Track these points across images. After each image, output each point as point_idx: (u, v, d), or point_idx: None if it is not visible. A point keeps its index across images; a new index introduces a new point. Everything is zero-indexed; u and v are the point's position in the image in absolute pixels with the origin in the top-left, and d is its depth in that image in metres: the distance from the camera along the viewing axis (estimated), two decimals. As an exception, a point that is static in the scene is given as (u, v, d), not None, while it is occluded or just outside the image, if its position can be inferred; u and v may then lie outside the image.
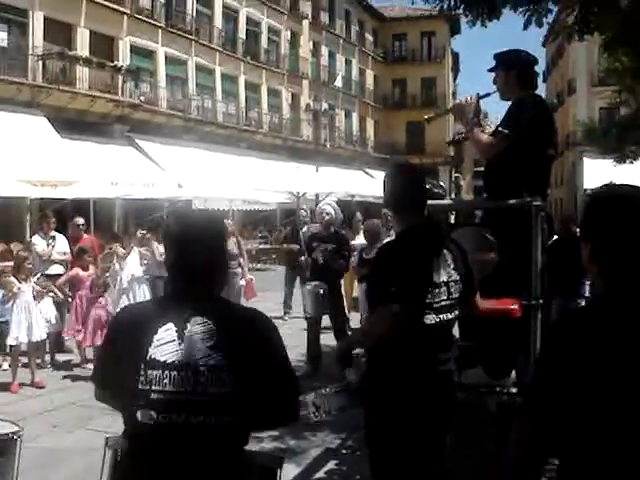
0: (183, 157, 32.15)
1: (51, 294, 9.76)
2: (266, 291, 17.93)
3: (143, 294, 11.16)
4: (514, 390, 5.08)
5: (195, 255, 2.69)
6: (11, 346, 9.24)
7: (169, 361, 2.57)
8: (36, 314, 9.33)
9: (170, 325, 2.61)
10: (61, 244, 11.93)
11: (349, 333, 10.18)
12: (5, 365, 9.93)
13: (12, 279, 9.39)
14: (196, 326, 2.61)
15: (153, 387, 2.56)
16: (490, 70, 5.42)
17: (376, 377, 3.85)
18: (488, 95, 5.42)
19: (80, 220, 12.56)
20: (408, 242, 3.85)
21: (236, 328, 2.65)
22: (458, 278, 3.88)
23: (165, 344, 2.59)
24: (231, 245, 12.27)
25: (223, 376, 2.55)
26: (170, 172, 30.37)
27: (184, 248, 2.72)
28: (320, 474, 6.28)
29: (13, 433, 3.57)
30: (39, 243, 11.68)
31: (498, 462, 4.79)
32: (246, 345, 2.62)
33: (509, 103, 5.31)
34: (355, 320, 11.55)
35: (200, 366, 2.56)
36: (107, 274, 11.38)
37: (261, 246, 30.74)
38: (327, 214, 10.51)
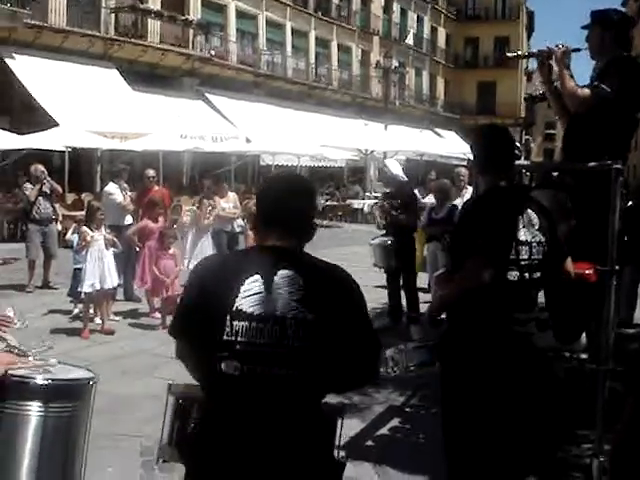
0: (252, 112, 32.22)
1: (113, 248, 9.87)
2: (333, 247, 17.98)
3: (208, 246, 11.42)
4: (584, 356, 5.01)
5: (286, 209, 2.70)
6: (84, 293, 9.43)
7: (256, 313, 2.56)
8: (108, 262, 9.50)
9: (257, 277, 2.59)
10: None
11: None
12: (76, 311, 10.17)
13: (85, 228, 9.57)
14: (284, 279, 2.59)
15: (239, 338, 2.55)
16: (585, 27, 5.23)
17: (454, 335, 3.84)
18: (578, 50, 5.22)
19: (151, 172, 12.68)
20: (493, 199, 3.85)
21: (322, 283, 2.64)
22: (543, 240, 3.83)
23: (252, 295, 2.57)
24: None
25: (308, 330, 2.55)
26: (239, 126, 30.48)
27: (278, 202, 2.73)
28: (383, 430, 6.30)
29: (89, 379, 3.66)
30: (116, 192, 11.82)
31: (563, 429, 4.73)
32: (331, 301, 2.60)
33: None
34: (423, 280, 11.46)
35: (287, 319, 2.55)
36: (175, 226, 11.53)
37: (327, 203, 30.67)
38: (390, 171, 10.77)
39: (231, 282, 2.60)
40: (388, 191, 11.11)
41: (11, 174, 21.50)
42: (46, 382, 3.43)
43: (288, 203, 2.71)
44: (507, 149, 4.06)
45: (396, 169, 10.88)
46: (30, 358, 3.47)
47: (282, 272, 2.61)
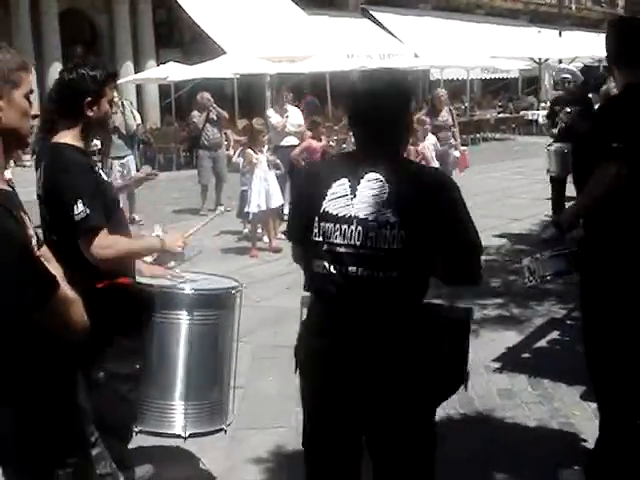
0: (419, 26, 31.55)
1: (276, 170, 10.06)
2: (506, 161, 17.63)
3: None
4: None
5: (374, 111, 2.68)
6: (251, 213, 9.73)
7: (340, 215, 2.65)
8: (272, 183, 9.74)
9: (344, 180, 2.68)
10: (295, 117, 12.29)
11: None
12: (245, 231, 10.55)
13: (250, 151, 9.81)
14: (369, 182, 2.64)
15: (325, 239, 2.67)
16: None
17: (592, 243, 3.69)
18: None
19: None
20: (630, 98, 3.59)
21: (411, 187, 2.64)
22: None
23: (338, 198, 2.67)
24: (446, 115, 12.31)
25: (392, 233, 2.58)
26: (406, 42, 30.03)
27: (364, 105, 2.72)
28: (542, 343, 6.21)
29: (233, 288, 3.85)
30: (273, 116, 12.07)
31: None
32: (419, 204, 2.60)
33: None
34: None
35: (369, 221, 2.61)
36: (344, 145, 11.62)
37: (500, 115, 29.79)
38: (567, 78, 10.58)
39: (321, 186, 2.71)
40: (559, 95, 10.92)
41: (185, 104, 22.30)
42: (191, 292, 3.65)
43: (378, 102, 2.68)
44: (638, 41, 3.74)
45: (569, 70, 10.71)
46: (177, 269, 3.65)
47: (369, 175, 2.65)
